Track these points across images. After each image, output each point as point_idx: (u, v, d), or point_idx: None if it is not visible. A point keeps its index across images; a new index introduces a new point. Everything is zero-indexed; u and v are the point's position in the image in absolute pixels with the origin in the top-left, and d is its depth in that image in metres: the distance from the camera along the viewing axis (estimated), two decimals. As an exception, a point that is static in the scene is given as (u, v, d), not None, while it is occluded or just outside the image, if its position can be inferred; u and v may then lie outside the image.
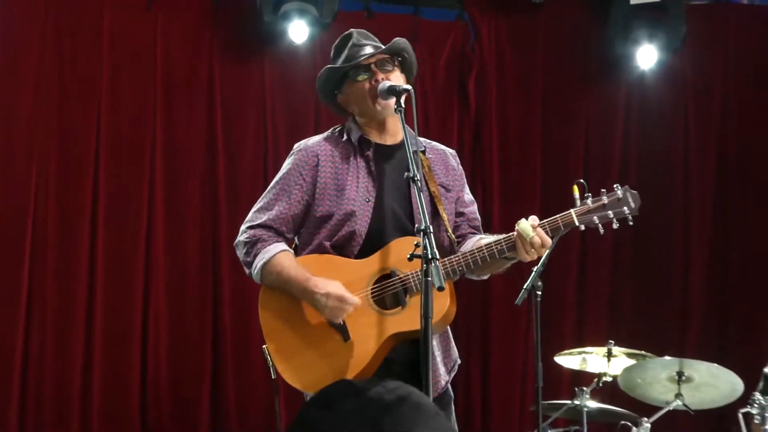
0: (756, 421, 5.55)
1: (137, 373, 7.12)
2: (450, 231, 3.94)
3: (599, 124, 8.03)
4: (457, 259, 3.78)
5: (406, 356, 3.78)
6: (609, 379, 6.08)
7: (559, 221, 3.77)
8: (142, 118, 7.31)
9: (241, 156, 7.48)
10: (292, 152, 4.03)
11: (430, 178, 3.95)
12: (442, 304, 3.70)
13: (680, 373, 5.84)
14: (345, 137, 4.02)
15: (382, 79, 3.91)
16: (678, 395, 5.85)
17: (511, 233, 3.75)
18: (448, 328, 3.98)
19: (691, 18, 7.68)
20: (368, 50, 3.96)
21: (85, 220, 7.11)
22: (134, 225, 7.22)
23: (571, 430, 6.19)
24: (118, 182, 7.23)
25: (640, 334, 7.28)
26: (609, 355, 6.08)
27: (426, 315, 3.37)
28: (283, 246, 3.91)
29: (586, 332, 7.65)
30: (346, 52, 4.00)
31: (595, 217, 3.77)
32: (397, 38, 3.99)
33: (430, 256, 3.39)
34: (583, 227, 3.79)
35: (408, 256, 3.51)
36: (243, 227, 3.99)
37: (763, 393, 5.58)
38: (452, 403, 4.01)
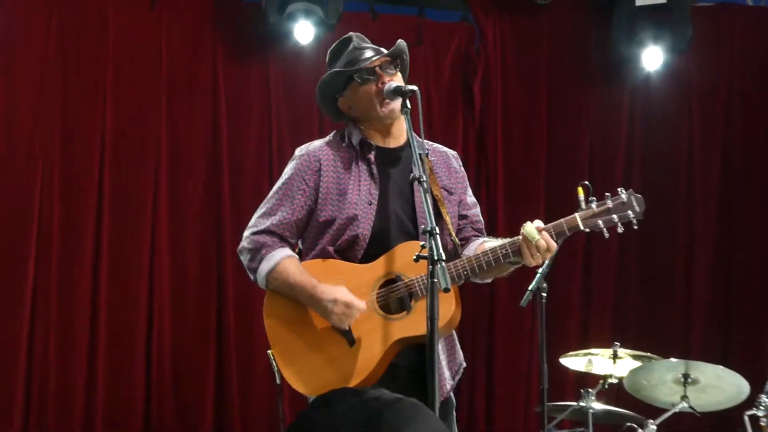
0: (762, 424, 5.55)
1: (141, 373, 7.12)
2: (453, 234, 3.92)
3: (604, 125, 8.01)
4: (462, 263, 3.77)
5: (411, 361, 3.76)
6: (614, 380, 6.07)
7: (564, 225, 3.75)
8: (147, 118, 7.30)
9: (245, 156, 7.47)
10: (293, 157, 4.02)
11: (433, 181, 3.93)
12: (448, 308, 3.69)
13: (686, 375, 5.84)
14: (346, 141, 4.01)
15: (388, 80, 3.90)
16: (684, 397, 5.84)
17: (515, 237, 3.74)
18: (453, 332, 3.97)
19: (697, 19, 7.66)
20: (369, 53, 3.96)
21: (89, 220, 7.11)
22: (138, 225, 7.22)
23: (576, 432, 6.19)
24: (122, 182, 7.22)
25: (646, 336, 7.28)
26: (614, 356, 6.07)
27: (432, 317, 3.36)
28: (287, 252, 3.90)
29: (592, 334, 7.63)
30: (345, 56, 3.99)
31: (599, 222, 3.76)
32: (400, 40, 3.98)
33: (435, 257, 3.38)
34: (587, 231, 3.79)
35: (414, 257, 3.49)
36: (246, 233, 3.98)
37: (770, 395, 5.59)
38: (454, 410, 4.00)
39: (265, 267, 3.87)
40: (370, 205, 3.88)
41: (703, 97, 8.05)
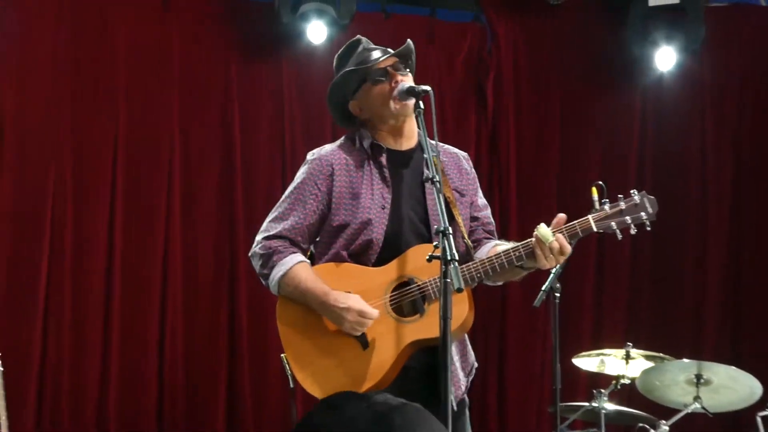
0: (774, 425, 5.55)
1: (154, 375, 7.15)
2: (466, 236, 3.91)
3: (616, 125, 8.01)
4: (475, 266, 3.76)
5: (424, 363, 3.75)
6: (627, 381, 6.08)
7: (577, 227, 3.75)
8: (159, 119, 7.32)
9: (258, 157, 7.49)
10: (305, 161, 4.00)
11: (445, 182, 3.89)
12: (461, 311, 3.68)
13: (699, 376, 5.83)
14: (357, 144, 3.99)
15: (401, 80, 3.89)
16: (696, 398, 5.84)
17: (528, 239, 3.73)
18: (465, 334, 3.97)
19: (710, 19, 7.65)
20: (378, 54, 3.94)
21: (102, 223, 7.13)
22: (151, 225, 7.24)
23: (589, 432, 6.20)
24: (135, 182, 7.24)
25: (658, 336, 7.27)
26: (627, 357, 6.07)
27: (445, 316, 3.34)
28: (299, 257, 3.88)
29: (604, 334, 7.63)
30: (355, 57, 3.97)
31: (612, 223, 3.75)
32: (408, 41, 3.97)
33: (449, 258, 3.37)
34: (600, 232, 3.79)
35: (427, 257, 3.48)
36: (258, 237, 3.96)
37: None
38: (467, 408, 3.99)
39: (276, 273, 3.85)
40: (383, 209, 3.86)
41: (715, 98, 8.04)
